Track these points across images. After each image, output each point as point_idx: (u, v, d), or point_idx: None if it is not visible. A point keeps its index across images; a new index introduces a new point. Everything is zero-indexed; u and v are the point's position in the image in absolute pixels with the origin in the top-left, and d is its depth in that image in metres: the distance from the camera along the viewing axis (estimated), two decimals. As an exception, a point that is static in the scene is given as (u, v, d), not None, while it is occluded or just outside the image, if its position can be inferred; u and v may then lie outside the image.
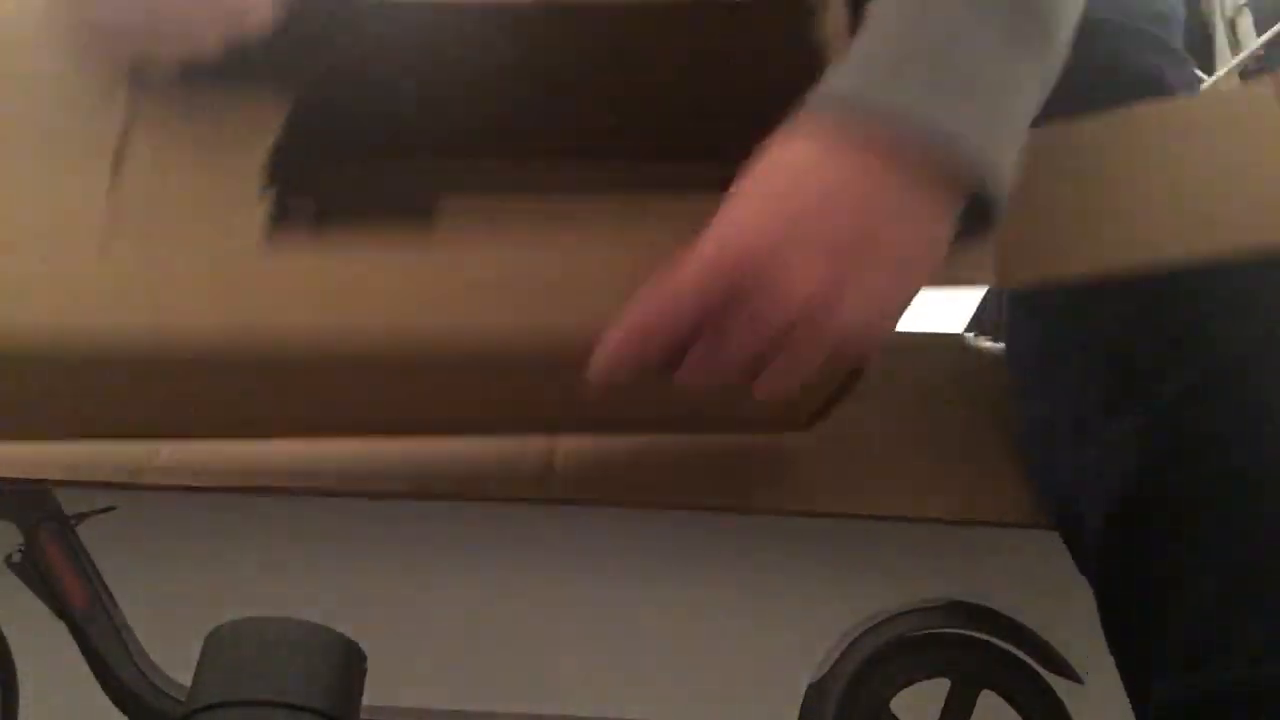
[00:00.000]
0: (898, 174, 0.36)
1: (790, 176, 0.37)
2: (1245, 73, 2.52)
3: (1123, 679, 0.47)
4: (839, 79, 0.38)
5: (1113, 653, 0.48)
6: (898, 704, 0.57)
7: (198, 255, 0.42)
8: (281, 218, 0.43)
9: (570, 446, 0.59)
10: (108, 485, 0.59)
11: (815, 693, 0.56)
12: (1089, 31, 0.44)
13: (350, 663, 0.46)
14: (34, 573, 0.61)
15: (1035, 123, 0.40)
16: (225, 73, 0.42)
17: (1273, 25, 2.17)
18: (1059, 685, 0.56)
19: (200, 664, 0.45)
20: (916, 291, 0.39)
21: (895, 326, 0.39)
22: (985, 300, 0.75)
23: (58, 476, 0.59)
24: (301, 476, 0.58)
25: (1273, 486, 0.43)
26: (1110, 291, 0.49)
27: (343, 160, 0.52)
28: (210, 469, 0.59)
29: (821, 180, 0.37)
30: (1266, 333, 0.46)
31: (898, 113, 0.36)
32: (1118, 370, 0.48)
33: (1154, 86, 0.53)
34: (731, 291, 0.36)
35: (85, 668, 0.61)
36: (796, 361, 0.38)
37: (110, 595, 0.63)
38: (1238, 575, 0.42)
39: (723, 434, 0.57)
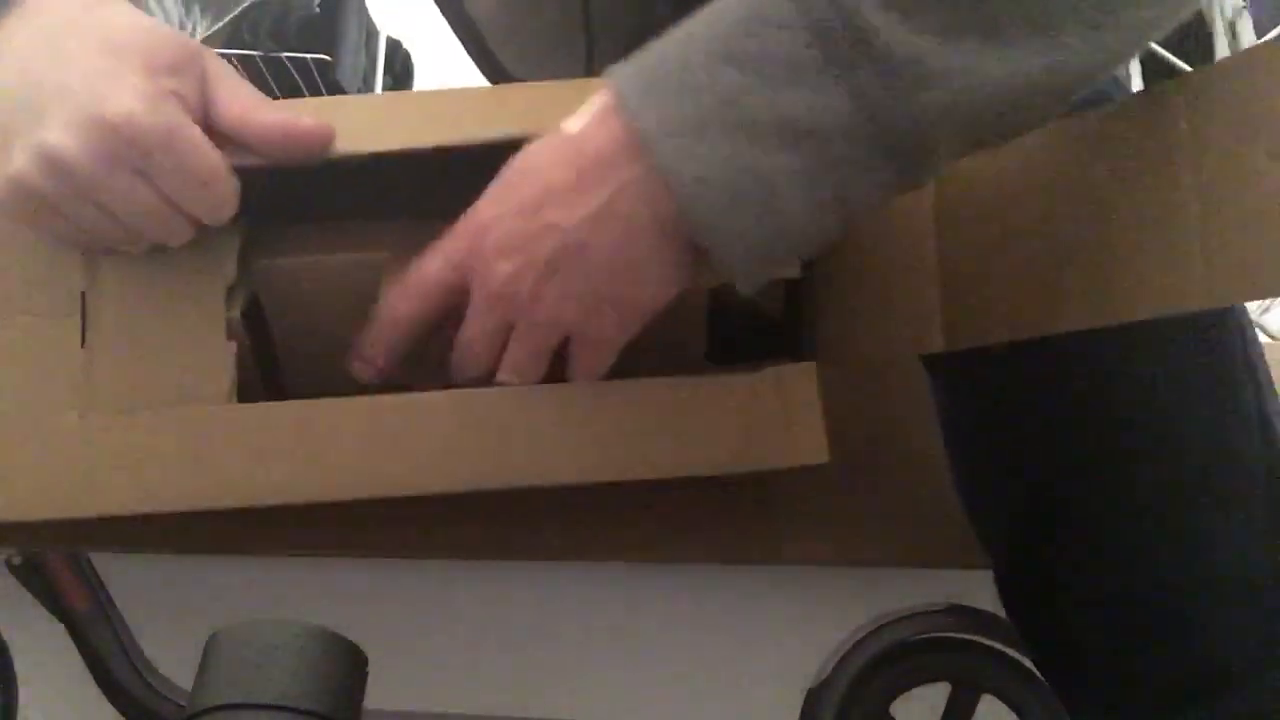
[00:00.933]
0: (640, 204, 0.37)
1: (537, 164, 0.39)
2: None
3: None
4: (634, 77, 0.37)
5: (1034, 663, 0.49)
6: (898, 708, 0.57)
7: (170, 423, 0.42)
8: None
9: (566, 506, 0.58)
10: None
11: (815, 698, 0.56)
12: None
13: (352, 665, 0.46)
14: (34, 575, 0.61)
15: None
16: None
17: (1273, 28, 2.18)
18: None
19: (201, 667, 0.45)
20: (633, 310, 0.39)
21: (616, 330, 0.40)
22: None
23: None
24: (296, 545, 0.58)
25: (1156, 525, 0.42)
26: None
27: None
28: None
29: (558, 179, 0.38)
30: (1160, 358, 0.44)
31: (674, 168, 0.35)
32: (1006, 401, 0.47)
33: None
34: (458, 278, 0.40)
35: (85, 671, 0.61)
36: (519, 353, 0.40)
37: (110, 598, 0.63)
38: (1133, 616, 0.42)
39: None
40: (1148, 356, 0.43)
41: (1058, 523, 0.45)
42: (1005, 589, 0.48)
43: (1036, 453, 0.45)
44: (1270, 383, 0.45)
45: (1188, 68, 1.93)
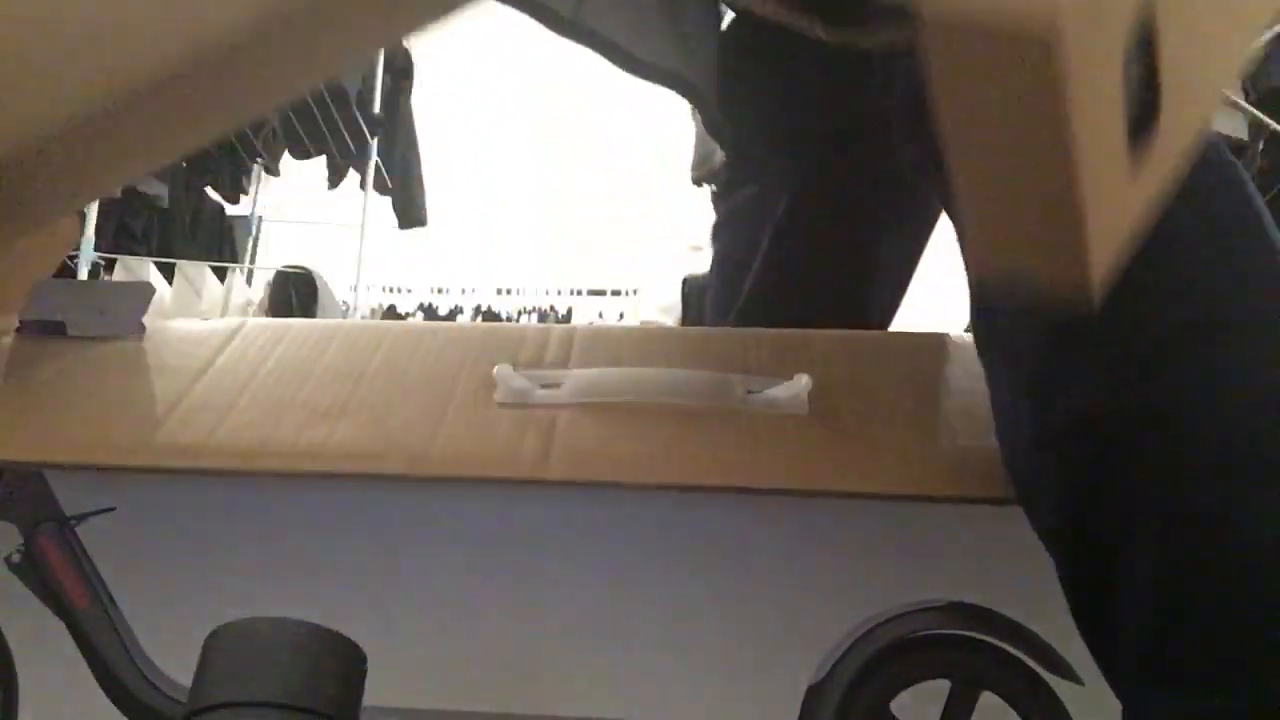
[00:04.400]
0: None
1: None
2: (1245, 74, 2.53)
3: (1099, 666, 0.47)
4: None
5: (1085, 642, 0.48)
6: (898, 706, 0.57)
7: None
8: None
9: (568, 435, 0.59)
10: (105, 468, 0.59)
11: (815, 695, 0.56)
12: None
13: (350, 663, 0.46)
14: (34, 573, 0.61)
15: None
16: None
17: (1273, 27, 2.17)
18: (1059, 686, 0.56)
19: (200, 665, 0.45)
20: None
21: None
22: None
23: (54, 459, 0.60)
24: (301, 458, 0.58)
25: (1211, 476, 0.42)
26: None
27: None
28: (208, 449, 0.59)
29: None
30: (1205, 311, 0.45)
31: None
32: (1059, 351, 0.48)
33: None
34: None
35: (85, 668, 0.61)
36: None
37: (110, 595, 0.63)
38: (1172, 586, 0.42)
39: None
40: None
41: (1104, 503, 0.45)
42: (1064, 565, 0.49)
43: (1085, 436, 0.46)
44: None
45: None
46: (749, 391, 0.62)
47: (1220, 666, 0.40)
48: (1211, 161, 0.47)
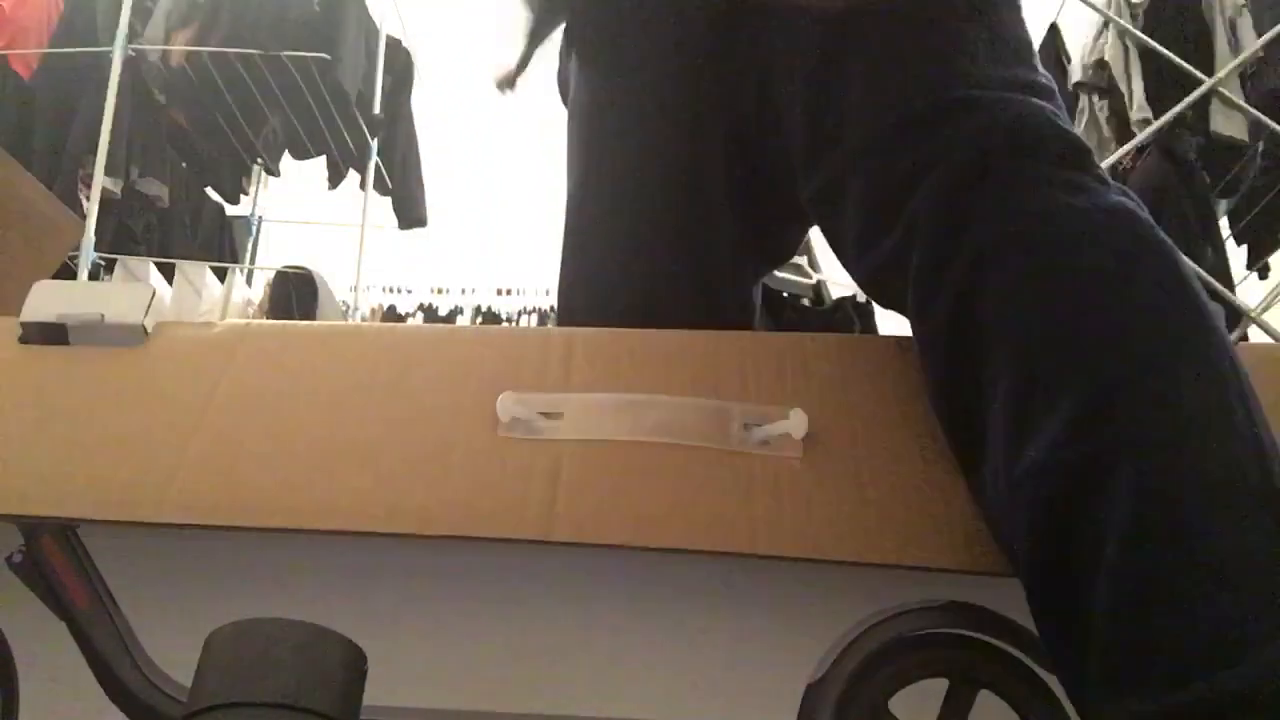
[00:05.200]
0: None
1: None
2: (1245, 74, 2.53)
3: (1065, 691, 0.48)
4: None
5: (1059, 677, 0.50)
6: (896, 703, 0.57)
7: None
8: None
9: (572, 488, 0.59)
10: (119, 523, 0.59)
11: (814, 693, 0.56)
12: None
13: (351, 664, 0.46)
14: (35, 573, 0.62)
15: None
16: None
17: (1273, 26, 2.18)
18: (1057, 685, 0.57)
19: (201, 665, 0.45)
20: None
21: None
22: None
23: (62, 513, 0.60)
24: (307, 514, 0.58)
25: (1169, 509, 0.44)
26: (1014, 313, 0.51)
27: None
28: (218, 506, 0.59)
29: None
30: (1146, 364, 0.47)
31: None
32: (1024, 393, 0.50)
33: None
34: None
35: (86, 668, 0.61)
36: None
37: (111, 596, 0.63)
38: (1143, 599, 0.43)
39: None
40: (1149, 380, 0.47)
41: (1072, 536, 0.47)
42: (1037, 605, 0.50)
43: (1051, 477, 0.48)
44: (1259, 407, 0.48)
45: (1187, 65, 1.93)
46: (745, 425, 0.61)
47: (1184, 665, 0.42)
48: (1145, 240, 0.52)
